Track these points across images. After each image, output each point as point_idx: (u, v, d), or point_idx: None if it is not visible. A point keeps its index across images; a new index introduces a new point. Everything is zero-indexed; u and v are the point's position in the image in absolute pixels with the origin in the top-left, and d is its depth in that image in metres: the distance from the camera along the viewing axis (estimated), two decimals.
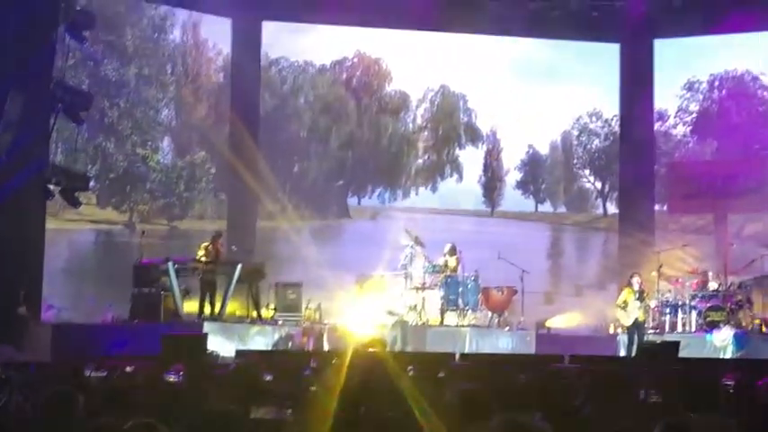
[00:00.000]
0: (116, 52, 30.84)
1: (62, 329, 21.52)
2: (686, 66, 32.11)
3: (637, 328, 21.93)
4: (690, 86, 33.50)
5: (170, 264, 20.91)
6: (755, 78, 32.82)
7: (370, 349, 14.92)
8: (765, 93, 32.73)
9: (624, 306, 22.15)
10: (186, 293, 21.52)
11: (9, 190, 20.51)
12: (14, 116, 20.99)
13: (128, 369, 13.36)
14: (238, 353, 18.94)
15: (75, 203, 22.57)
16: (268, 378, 11.20)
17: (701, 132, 33.43)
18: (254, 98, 27.89)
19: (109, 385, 10.01)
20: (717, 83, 33.37)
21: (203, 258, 21.50)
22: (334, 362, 13.40)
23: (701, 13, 25.86)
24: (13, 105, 20.78)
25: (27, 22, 20.87)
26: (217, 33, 29.95)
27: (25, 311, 20.57)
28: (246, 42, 27.52)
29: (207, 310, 21.43)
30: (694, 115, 33.53)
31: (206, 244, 21.85)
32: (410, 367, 12.07)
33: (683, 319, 22.70)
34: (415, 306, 22.09)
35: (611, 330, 23.40)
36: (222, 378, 10.57)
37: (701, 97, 33.53)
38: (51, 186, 21.41)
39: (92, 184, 27.61)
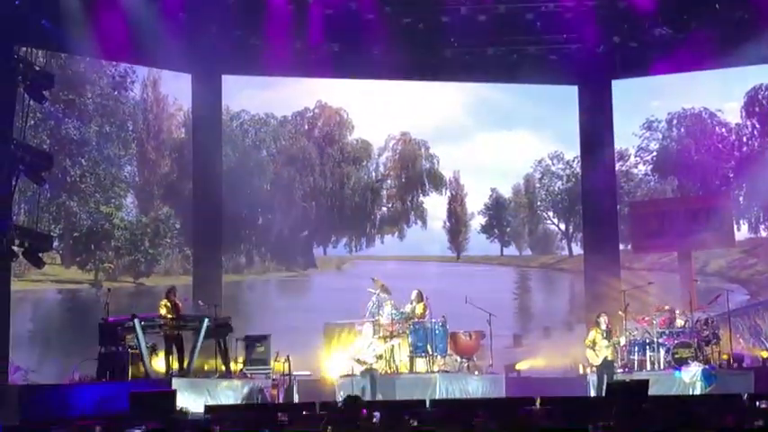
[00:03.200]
0: (77, 111, 30.83)
1: (29, 391, 21.30)
2: (644, 105, 32.54)
3: (606, 367, 21.94)
4: (649, 126, 33.91)
5: (136, 321, 20.75)
6: (713, 115, 33.27)
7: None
8: (723, 129, 33.16)
9: (593, 346, 22.17)
10: (153, 350, 21.36)
11: None
12: None
13: (97, 429, 13.28)
14: (208, 408, 18.82)
15: (38, 264, 22.43)
16: None
17: (661, 170, 33.79)
18: (217, 152, 27.83)
19: None
20: (675, 121, 33.79)
21: (168, 315, 21.38)
22: (304, 413, 13.38)
23: (657, 53, 26.10)
24: None
25: None
26: (177, 89, 30.04)
27: None
28: (207, 97, 27.48)
29: (174, 365, 21.27)
30: (654, 154, 33.93)
31: (164, 301, 21.74)
32: (376, 413, 12.05)
33: (651, 356, 22.70)
34: (384, 354, 22.02)
35: (581, 371, 23.37)
36: None
37: (660, 136, 33.96)
38: (15, 248, 21.27)
39: (55, 243, 27.51)
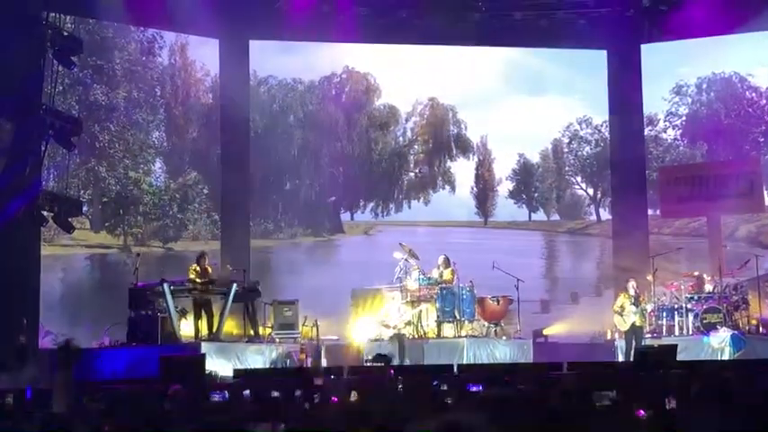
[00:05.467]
0: (105, 76, 30.90)
1: None
2: (674, 70, 32.27)
3: (634, 332, 21.92)
4: (678, 90, 33.64)
5: (165, 285, 20.87)
6: (743, 79, 32.96)
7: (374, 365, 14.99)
8: (753, 93, 32.86)
9: (621, 311, 22.13)
10: (183, 314, 21.48)
11: (3, 218, 20.53)
12: (5, 144, 21.02)
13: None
14: (237, 372, 18.94)
15: (68, 229, 22.57)
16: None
17: (690, 135, 33.57)
18: (244, 118, 27.85)
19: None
20: (705, 85, 33.51)
21: (197, 279, 21.48)
22: (332, 378, 13.44)
23: (687, 17, 25.88)
24: (3, 133, 20.82)
25: (15, 49, 20.90)
26: (204, 54, 30.04)
27: (24, 340, 20.60)
28: (234, 62, 27.47)
29: (203, 330, 21.39)
30: (684, 118, 33.68)
31: (194, 266, 21.85)
32: (399, 378, 12.10)
33: (679, 322, 22.65)
34: (412, 319, 22.07)
35: (609, 336, 23.36)
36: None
37: (689, 100, 33.69)
38: (44, 212, 21.39)
39: (85, 208, 27.63)
